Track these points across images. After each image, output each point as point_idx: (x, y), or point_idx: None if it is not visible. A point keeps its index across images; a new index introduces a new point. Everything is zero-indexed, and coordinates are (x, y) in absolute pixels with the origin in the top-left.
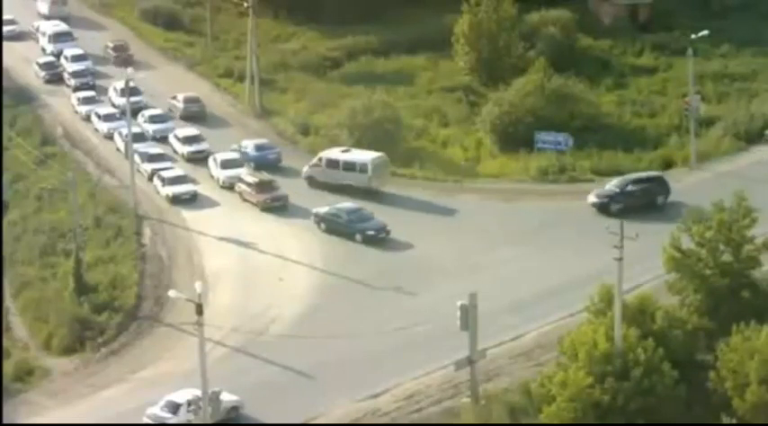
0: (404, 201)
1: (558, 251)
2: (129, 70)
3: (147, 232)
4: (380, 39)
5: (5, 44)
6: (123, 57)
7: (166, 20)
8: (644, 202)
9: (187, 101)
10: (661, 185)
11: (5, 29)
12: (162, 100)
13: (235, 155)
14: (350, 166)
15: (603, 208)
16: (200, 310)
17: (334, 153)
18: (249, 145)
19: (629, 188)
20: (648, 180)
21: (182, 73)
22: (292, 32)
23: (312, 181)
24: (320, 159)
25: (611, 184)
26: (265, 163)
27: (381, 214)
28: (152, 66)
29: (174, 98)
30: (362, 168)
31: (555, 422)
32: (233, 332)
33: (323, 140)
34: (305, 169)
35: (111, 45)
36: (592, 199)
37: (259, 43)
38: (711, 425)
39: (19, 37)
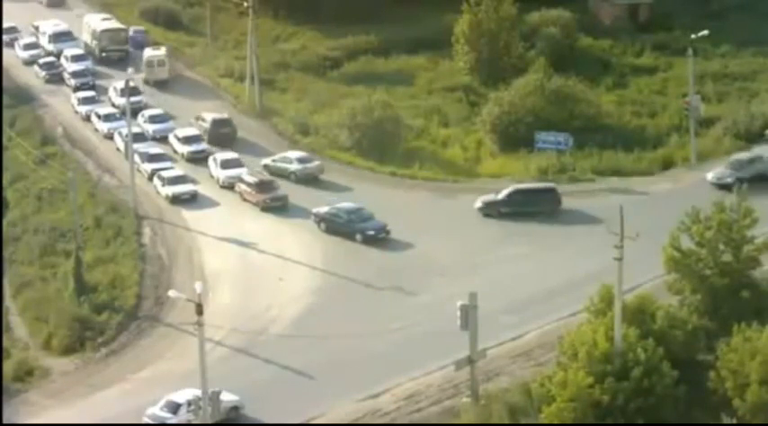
0: (405, 200)
1: (558, 251)
2: (130, 70)
3: (147, 232)
4: (380, 39)
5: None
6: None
7: (167, 19)
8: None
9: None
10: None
11: (30, 53)
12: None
13: (234, 155)
14: (148, 63)
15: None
16: (200, 310)
17: (148, 52)
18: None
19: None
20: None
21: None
22: (292, 32)
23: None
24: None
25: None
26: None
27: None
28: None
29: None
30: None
31: (555, 422)
32: (233, 332)
33: (323, 140)
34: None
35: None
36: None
37: (259, 43)
38: (711, 425)
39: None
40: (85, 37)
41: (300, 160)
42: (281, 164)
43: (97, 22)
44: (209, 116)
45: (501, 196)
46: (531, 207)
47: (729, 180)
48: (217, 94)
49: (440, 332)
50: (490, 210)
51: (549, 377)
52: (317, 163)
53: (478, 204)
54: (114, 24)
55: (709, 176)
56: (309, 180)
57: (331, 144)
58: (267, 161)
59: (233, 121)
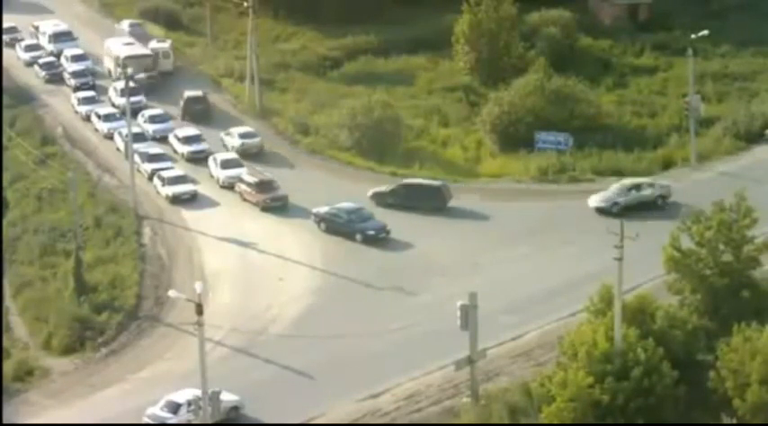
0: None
1: (558, 251)
2: (129, 70)
3: (147, 232)
4: (380, 39)
5: None
6: None
7: (167, 19)
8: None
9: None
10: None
11: (31, 54)
12: None
13: (234, 155)
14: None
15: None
16: (200, 310)
17: (153, 44)
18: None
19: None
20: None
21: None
22: (292, 32)
23: None
24: None
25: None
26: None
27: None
28: None
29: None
30: None
31: (555, 422)
32: (233, 332)
33: (323, 140)
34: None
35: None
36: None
37: (259, 43)
38: (711, 425)
39: None
40: (107, 63)
41: (242, 135)
42: (226, 138)
43: (119, 46)
44: (185, 93)
45: (388, 189)
46: (414, 202)
47: (605, 205)
48: (217, 91)
49: (440, 332)
50: (379, 201)
51: (549, 377)
52: (257, 139)
53: (370, 194)
54: (139, 49)
55: (591, 200)
56: (249, 154)
57: (331, 144)
58: (222, 134)
59: (207, 98)
